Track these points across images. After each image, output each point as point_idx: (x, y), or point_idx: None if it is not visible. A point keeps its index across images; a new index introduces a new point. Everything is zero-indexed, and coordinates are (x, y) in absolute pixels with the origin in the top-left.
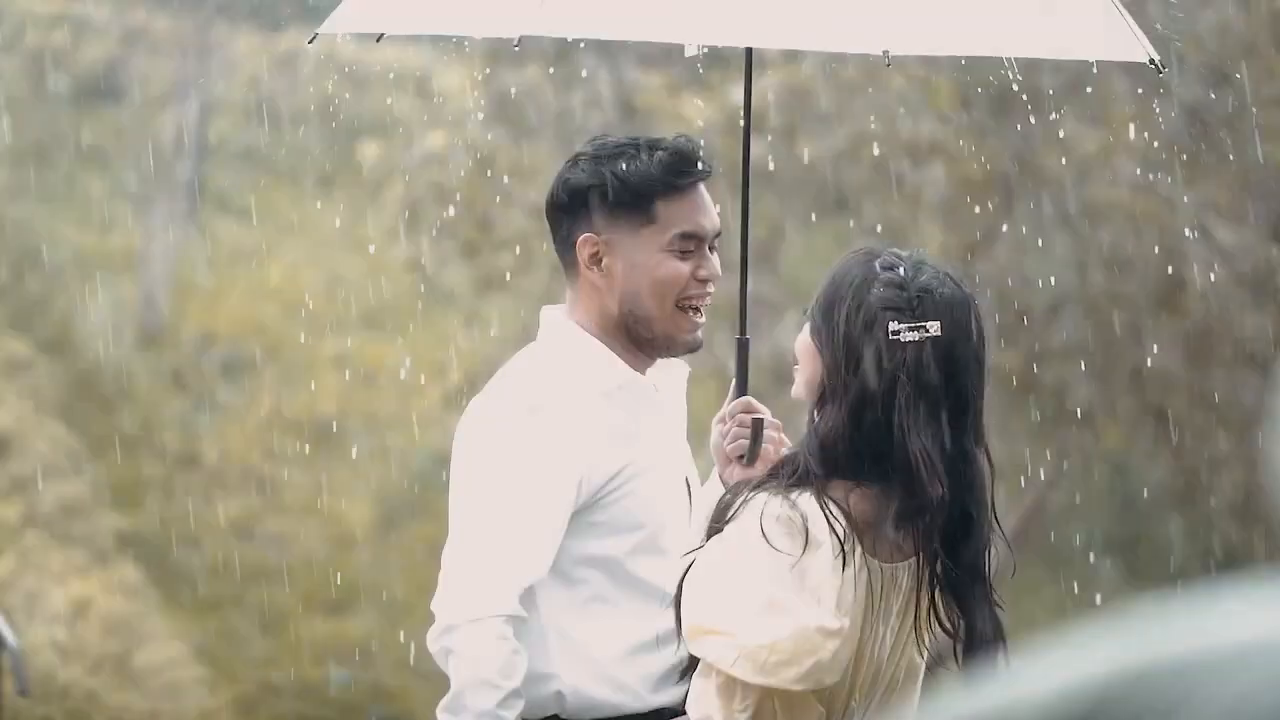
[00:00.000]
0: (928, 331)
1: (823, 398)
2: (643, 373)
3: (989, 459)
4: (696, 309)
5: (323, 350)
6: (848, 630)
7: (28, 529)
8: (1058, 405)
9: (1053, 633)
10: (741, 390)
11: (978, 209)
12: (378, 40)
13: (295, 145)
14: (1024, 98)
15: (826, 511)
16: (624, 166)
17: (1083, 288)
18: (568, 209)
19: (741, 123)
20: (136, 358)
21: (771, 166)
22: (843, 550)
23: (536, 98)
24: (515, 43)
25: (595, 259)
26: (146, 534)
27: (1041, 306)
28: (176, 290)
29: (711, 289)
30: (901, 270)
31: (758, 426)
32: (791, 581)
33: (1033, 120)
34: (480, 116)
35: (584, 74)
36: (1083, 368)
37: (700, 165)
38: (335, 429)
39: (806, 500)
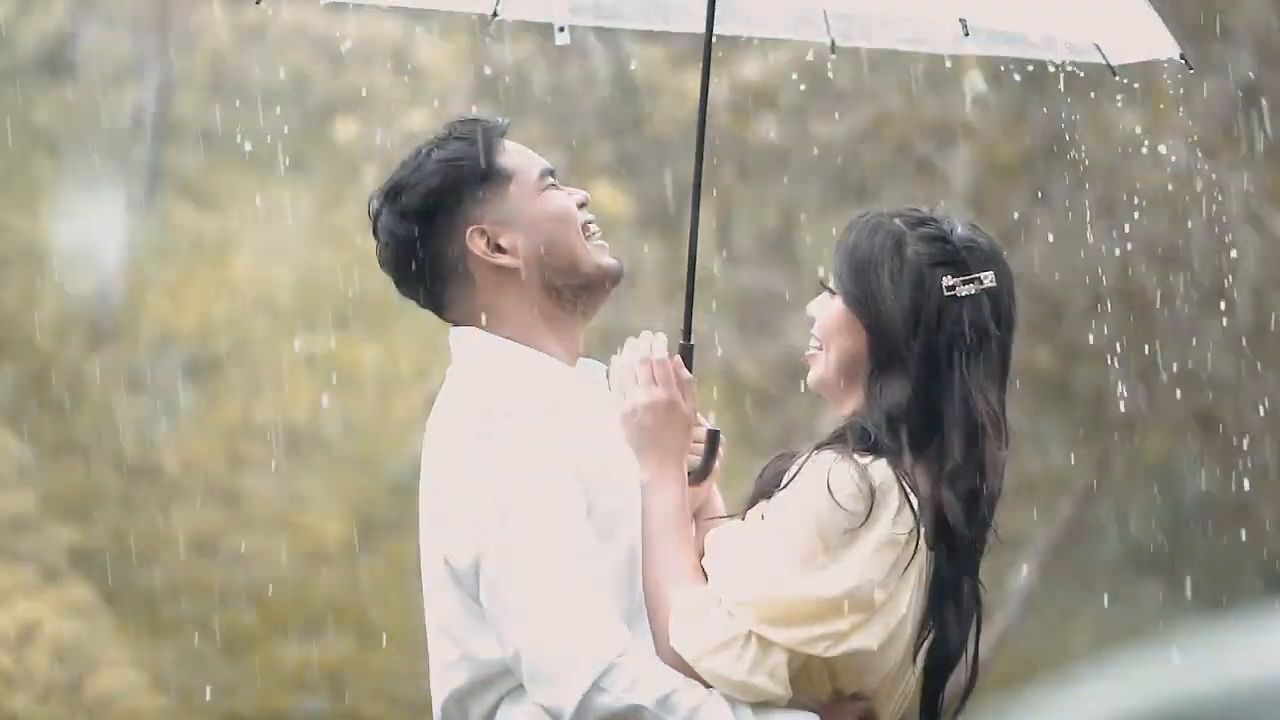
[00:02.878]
0: (983, 283)
1: (878, 369)
2: (574, 356)
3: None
4: (596, 233)
5: (293, 350)
6: (894, 616)
7: None
8: (1096, 409)
9: (1097, 657)
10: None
11: (1008, 196)
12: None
13: (263, 126)
14: (1061, 72)
15: (904, 486)
16: (448, 149)
17: (1123, 281)
18: (433, 231)
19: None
20: (90, 357)
21: (776, 148)
22: (917, 531)
23: (527, 73)
24: (492, 15)
25: (493, 245)
26: (100, 550)
27: (1078, 302)
28: (133, 284)
29: (590, 214)
30: (937, 222)
31: (713, 439)
32: (837, 544)
33: (1068, 99)
34: (456, 95)
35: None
36: (1122, 368)
37: (493, 119)
38: (307, 436)
39: (880, 469)
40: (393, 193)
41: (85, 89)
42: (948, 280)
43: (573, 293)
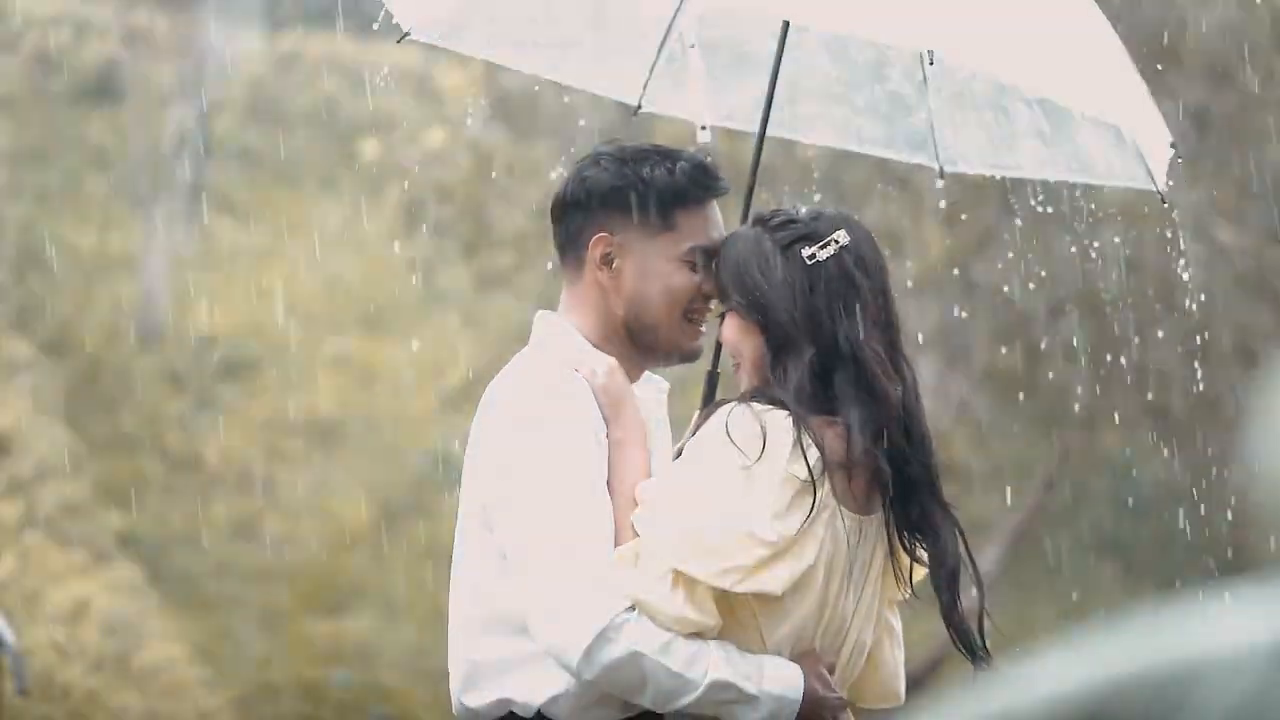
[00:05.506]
0: (839, 242)
1: (778, 356)
2: (634, 380)
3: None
4: (699, 321)
5: (322, 350)
6: (800, 563)
7: (27, 529)
8: (1057, 406)
9: (1053, 636)
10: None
11: (979, 210)
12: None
13: (295, 145)
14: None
15: (804, 437)
16: (650, 171)
17: (1083, 289)
18: (583, 206)
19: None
20: (137, 358)
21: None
22: (814, 483)
23: (537, 95)
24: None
25: (606, 260)
26: (146, 534)
27: (1041, 308)
28: (176, 290)
29: (714, 305)
30: (784, 212)
31: (712, 380)
32: (736, 483)
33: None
34: (473, 116)
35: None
36: (1082, 368)
37: (720, 181)
38: (334, 430)
39: (776, 417)
40: (594, 158)
41: (132, 111)
42: (807, 251)
43: (645, 346)
